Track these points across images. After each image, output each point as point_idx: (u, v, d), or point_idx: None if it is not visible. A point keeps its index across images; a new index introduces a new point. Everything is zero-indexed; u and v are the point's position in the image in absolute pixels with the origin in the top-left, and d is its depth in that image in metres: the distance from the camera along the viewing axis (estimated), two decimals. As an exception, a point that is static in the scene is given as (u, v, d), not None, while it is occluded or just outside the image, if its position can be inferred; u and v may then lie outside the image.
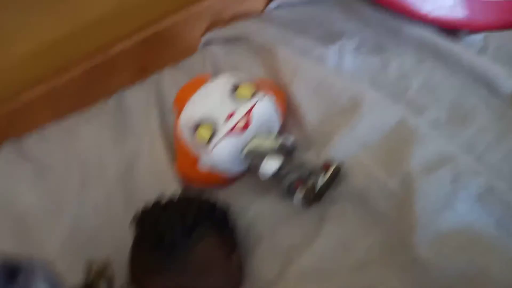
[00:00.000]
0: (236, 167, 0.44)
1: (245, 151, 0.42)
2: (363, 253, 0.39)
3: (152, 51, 0.60)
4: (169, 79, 0.58)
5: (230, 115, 0.42)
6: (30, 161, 0.54)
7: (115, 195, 0.49)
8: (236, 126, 0.41)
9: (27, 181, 0.52)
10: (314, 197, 0.41)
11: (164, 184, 0.46)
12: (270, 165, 0.40)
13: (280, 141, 0.43)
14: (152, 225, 0.36)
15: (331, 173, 0.41)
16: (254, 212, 0.44)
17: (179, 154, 0.47)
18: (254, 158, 0.41)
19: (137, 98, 0.57)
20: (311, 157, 0.45)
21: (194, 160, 0.45)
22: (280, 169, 0.41)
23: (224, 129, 0.41)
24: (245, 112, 0.42)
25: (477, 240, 0.36)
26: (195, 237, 0.36)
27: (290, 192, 0.41)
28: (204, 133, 0.41)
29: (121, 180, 0.50)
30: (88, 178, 0.51)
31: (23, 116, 0.57)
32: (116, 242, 0.43)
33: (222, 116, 0.42)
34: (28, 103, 0.57)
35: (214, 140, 0.41)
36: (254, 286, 0.40)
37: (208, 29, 0.61)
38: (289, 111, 0.49)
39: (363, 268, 0.38)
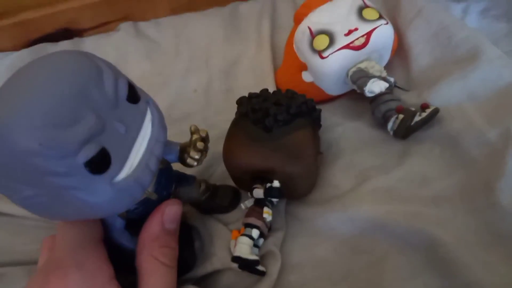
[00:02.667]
0: (338, 86, 0.45)
1: (354, 68, 0.43)
2: (441, 190, 0.39)
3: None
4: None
5: (352, 31, 0.42)
6: (144, 39, 0.58)
7: (216, 83, 0.52)
8: (354, 43, 0.42)
9: (139, 54, 0.56)
10: (407, 130, 0.41)
11: (261, 87, 0.48)
12: (377, 85, 0.41)
13: (386, 73, 0.43)
14: (258, 104, 0.37)
15: (429, 113, 0.41)
16: (342, 131, 0.46)
17: (285, 62, 0.49)
18: (361, 77, 0.42)
19: (252, 8, 0.59)
20: (411, 99, 0.45)
21: (299, 71, 0.47)
22: (382, 94, 0.42)
23: (342, 41, 0.42)
24: (366, 31, 0.42)
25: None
26: (295, 124, 0.37)
27: (385, 117, 0.42)
28: (323, 40, 0.42)
29: (223, 72, 0.53)
30: (194, 62, 0.55)
31: (141, 6, 0.61)
32: (212, 122, 0.47)
33: (344, 29, 0.42)
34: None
35: (330, 49, 0.42)
36: (326, 192, 0.41)
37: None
38: (399, 52, 0.49)
39: (438, 202, 0.38)
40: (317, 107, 0.41)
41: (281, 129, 0.37)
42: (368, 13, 0.43)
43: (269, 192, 0.35)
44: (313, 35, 0.43)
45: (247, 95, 0.40)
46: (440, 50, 0.46)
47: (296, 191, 0.38)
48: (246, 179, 0.38)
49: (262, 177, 0.36)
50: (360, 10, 0.44)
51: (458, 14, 0.52)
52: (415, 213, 0.38)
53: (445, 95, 0.43)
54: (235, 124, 0.39)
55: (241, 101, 0.40)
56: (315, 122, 0.41)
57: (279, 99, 0.38)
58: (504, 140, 0.38)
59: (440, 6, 0.50)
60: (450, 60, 0.45)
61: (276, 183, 0.35)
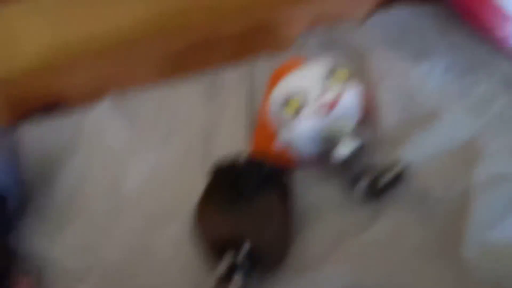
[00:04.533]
0: (310, 146, 0.47)
1: (325, 130, 0.45)
2: (411, 246, 0.41)
3: (252, 40, 0.65)
4: (263, 65, 0.62)
5: (321, 95, 0.45)
6: (127, 109, 0.61)
7: (194, 150, 0.54)
8: (324, 106, 0.45)
9: (121, 123, 0.59)
10: (376, 191, 0.43)
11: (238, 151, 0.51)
12: (345, 148, 0.43)
13: (355, 134, 0.46)
14: (229, 172, 0.40)
15: (397, 172, 0.43)
16: (314, 196, 0.47)
17: (259, 129, 0.52)
18: (331, 139, 0.44)
19: (231, 77, 0.62)
20: (380, 157, 0.47)
21: (272, 137, 0.49)
22: (351, 156, 0.45)
23: (312, 105, 0.45)
24: (335, 95, 0.45)
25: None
26: (265, 189, 0.39)
27: (354, 180, 0.44)
28: (294, 104, 0.45)
29: (201, 140, 0.55)
30: (174, 130, 0.57)
31: (129, 73, 0.65)
32: (189, 188, 0.48)
33: (314, 93, 0.45)
34: (136, 61, 0.64)
35: (301, 113, 0.45)
36: (300, 260, 0.42)
37: (308, 28, 0.65)
38: (368, 112, 0.52)
39: (409, 258, 0.40)
40: (290, 171, 0.43)
41: (251, 194, 0.39)
42: (337, 77, 0.47)
43: (241, 256, 0.37)
44: (285, 100, 0.46)
45: (219, 162, 0.42)
46: (405, 109, 0.49)
47: (269, 258, 0.40)
48: (217, 245, 0.39)
49: (233, 242, 0.38)
50: (329, 75, 0.47)
51: (423, 72, 0.55)
52: (390, 272, 0.39)
53: (411, 153, 0.46)
54: (207, 190, 0.41)
55: (213, 168, 0.42)
56: (285, 189, 0.43)
57: (249, 165, 0.40)
58: (466, 195, 0.41)
59: (404, 68, 0.54)
60: (415, 119, 0.48)
61: (246, 246, 0.37)
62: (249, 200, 0.38)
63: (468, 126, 0.47)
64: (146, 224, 0.47)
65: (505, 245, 0.38)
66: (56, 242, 0.48)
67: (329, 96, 0.45)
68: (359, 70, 0.56)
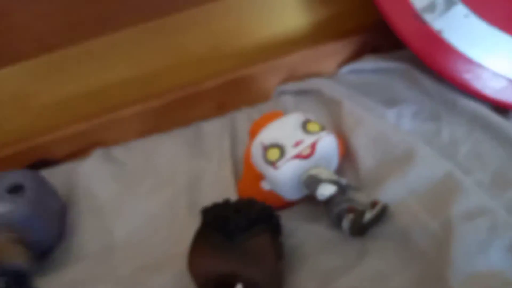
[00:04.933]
0: (294, 191, 0.50)
1: (306, 175, 0.48)
2: (399, 284, 0.42)
3: (232, 93, 0.69)
4: (243, 116, 0.66)
5: (298, 142, 0.48)
6: (113, 163, 0.62)
7: (181, 200, 0.56)
8: (302, 153, 0.47)
9: (109, 178, 0.60)
10: (360, 228, 0.45)
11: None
12: (328, 188, 0.46)
13: (336, 177, 0.49)
14: (218, 215, 0.41)
15: (379, 210, 0.46)
16: (302, 235, 0.49)
17: (245, 173, 0.54)
18: (313, 182, 0.47)
19: (214, 128, 0.65)
20: (361, 198, 0.50)
21: (257, 182, 0.51)
22: (334, 197, 0.47)
23: (292, 152, 0.47)
24: (311, 142, 0.48)
25: (506, 285, 0.39)
26: (255, 230, 0.41)
27: (339, 218, 0.46)
28: (274, 152, 0.48)
29: (188, 189, 0.57)
30: (160, 182, 0.59)
31: (113, 129, 0.67)
32: (177, 237, 0.50)
33: (291, 142, 0.48)
34: (121, 119, 0.67)
35: (282, 160, 0.47)
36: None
37: (283, 81, 0.70)
38: (346, 157, 0.55)
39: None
40: (277, 213, 0.45)
41: (241, 235, 0.40)
42: (311, 127, 0.50)
43: None
44: (265, 148, 0.49)
45: (209, 205, 0.44)
46: (380, 153, 0.52)
47: None
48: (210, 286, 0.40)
49: (226, 283, 0.39)
50: (304, 125, 0.50)
51: (393, 118, 0.59)
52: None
53: (391, 193, 0.48)
54: (198, 233, 0.43)
55: (204, 210, 0.44)
56: (275, 228, 0.45)
57: (239, 206, 0.42)
58: (445, 231, 0.43)
59: (376, 114, 0.58)
60: (390, 161, 0.51)
61: (239, 287, 0.38)
62: (240, 240, 0.40)
63: (440, 166, 0.50)
64: (137, 274, 0.47)
65: (489, 274, 0.39)
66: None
67: (306, 144, 0.48)
68: (333, 119, 0.60)
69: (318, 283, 0.44)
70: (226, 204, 0.44)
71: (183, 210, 0.55)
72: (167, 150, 0.63)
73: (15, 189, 0.49)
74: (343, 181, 0.48)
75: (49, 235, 0.52)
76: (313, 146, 0.48)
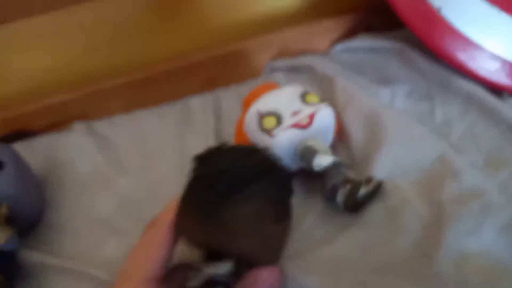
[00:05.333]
0: (288, 161, 0.48)
1: (302, 145, 0.46)
2: (384, 259, 0.41)
3: (221, 68, 0.67)
4: (231, 94, 0.64)
5: (296, 112, 0.47)
6: (97, 137, 0.60)
7: (169, 176, 0.54)
8: (300, 122, 0.46)
9: (91, 151, 0.57)
10: (354, 202, 0.44)
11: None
12: (324, 159, 0.44)
13: (331, 152, 0.47)
14: (209, 168, 0.34)
15: (374, 185, 0.45)
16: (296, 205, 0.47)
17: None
18: (309, 153, 0.45)
19: (201, 103, 0.63)
20: (354, 175, 0.49)
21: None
22: (329, 169, 0.46)
23: (289, 121, 0.46)
24: (310, 112, 0.47)
25: (497, 265, 0.38)
26: (247, 193, 0.33)
27: (333, 190, 0.45)
28: (271, 121, 0.46)
29: (177, 166, 0.55)
30: (146, 158, 0.56)
31: (97, 102, 0.64)
32: None
33: (289, 111, 0.47)
34: (105, 91, 0.64)
35: (279, 128, 0.46)
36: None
37: (275, 58, 0.68)
38: (339, 134, 0.54)
39: (382, 272, 0.40)
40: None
41: (234, 198, 0.32)
42: (310, 98, 0.48)
43: (221, 271, 0.34)
44: (262, 116, 0.47)
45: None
46: (371, 130, 0.51)
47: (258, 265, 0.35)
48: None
49: (217, 252, 0.34)
50: (303, 96, 0.49)
51: (387, 97, 0.58)
52: (361, 282, 0.39)
53: (381, 172, 0.47)
54: (188, 191, 0.35)
55: (196, 159, 0.35)
56: (276, 186, 0.35)
57: (236, 156, 0.34)
58: (436, 213, 0.43)
59: (368, 92, 0.57)
60: (382, 139, 0.50)
61: (227, 263, 0.34)
62: (231, 204, 0.32)
63: (434, 146, 0.49)
64: (122, 251, 0.45)
65: (481, 254, 0.39)
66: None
67: (304, 114, 0.47)
68: (325, 96, 0.58)
69: (300, 249, 0.43)
70: (221, 152, 0.35)
71: (169, 185, 0.52)
72: (153, 126, 0.61)
73: None
74: (337, 157, 0.47)
75: (32, 211, 0.50)
76: (311, 117, 0.47)
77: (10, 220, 0.43)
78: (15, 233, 0.43)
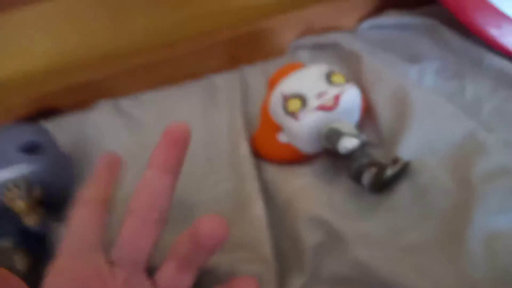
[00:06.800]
0: (312, 144, 0.48)
1: (327, 127, 0.46)
2: (414, 238, 0.41)
3: (245, 46, 0.66)
4: (256, 71, 0.64)
5: (322, 94, 0.46)
6: (123, 115, 0.60)
7: (197, 152, 0.54)
8: (325, 104, 0.46)
9: (118, 128, 0.58)
10: (380, 183, 0.44)
11: (237, 153, 0.51)
12: (350, 142, 0.44)
13: (357, 132, 0.47)
14: None
15: (400, 167, 0.44)
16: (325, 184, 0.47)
17: (261, 125, 0.52)
18: (334, 135, 0.45)
19: (227, 81, 0.63)
20: (381, 154, 0.48)
21: (274, 134, 0.50)
22: (355, 151, 0.45)
23: (314, 103, 0.46)
24: (335, 93, 0.46)
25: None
26: None
27: (359, 173, 0.45)
28: (295, 103, 0.46)
29: (203, 142, 0.55)
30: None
31: (122, 80, 0.65)
32: (193, 191, 0.49)
33: (314, 93, 0.46)
34: (130, 69, 0.64)
35: (303, 111, 0.45)
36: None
37: (299, 36, 0.67)
38: (366, 112, 0.53)
39: (412, 251, 0.40)
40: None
41: None
42: (335, 78, 0.48)
43: None
44: (286, 98, 0.47)
45: None
46: (400, 108, 0.50)
47: None
48: None
49: None
50: (328, 76, 0.48)
51: (415, 75, 0.57)
52: (394, 259, 0.39)
53: (410, 150, 0.47)
54: None
55: None
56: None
57: None
58: (465, 192, 0.42)
59: (397, 70, 0.56)
60: (411, 118, 0.49)
61: None
62: None
63: (463, 124, 0.48)
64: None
65: (510, 232, 0.39)
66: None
67: (329, 96, 0.46)
68: (352, 74, 0.57)
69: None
70: None
71: (199, 161, 0.53)
72: (179, 103, 0.61)
73: (31, 148, 0.47)
74: (364, 136, 0.46)
75: (64, 193, 0.50)
76: (337, 98, 0.46)
77: (43, 203, 0.44)
78: (47, 216, 0.44)
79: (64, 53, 0.65)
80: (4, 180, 0.43)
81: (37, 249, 0.43)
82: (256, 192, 0.46)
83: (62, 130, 0.58)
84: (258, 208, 0.44)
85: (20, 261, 0.39)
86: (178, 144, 0.34)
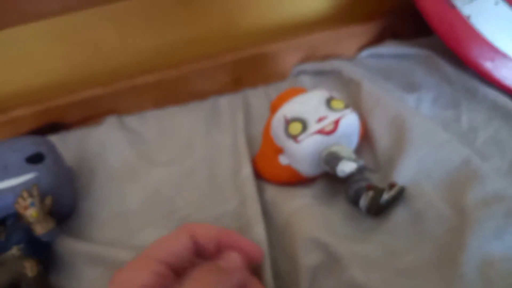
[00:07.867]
0: (312, 167, 0.49)
1: (326, 151, 0.47)
2: (409, 261, 0.42)
3: (249, 69, 0.68)
4: (259, 94, 0.66)
5: (322, 118, 0.48)
6: (128, 131, 0.62)
7: (199, 170, 0.56)
8: (325, 128, 0.47)
9: (123, 144, 0.60)
10: (377, 207, 0.45)
11: (240, 174, 0.52)
12: (348, 166, 0.45)
13: (355, 156, 0.48)
14: None
15: (397, 191, 0.46)
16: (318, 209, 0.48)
17: (263, 147, 0.53)
18: (333, 159, 0.46)
19: (229, 102, 0.65)
20: (378, 179, 0.50)
21: (276, 154, 0.51)
22: (353, 175, 0.47)
23: (314, 127, 0.47)
24: (335, 118, 0.48)
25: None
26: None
27: (357, 196, 0.46)
28: (296, 126, 0.48)
29: (206, 160, 0.57)
30: (177, 154, 0.58)
31: (128, 98, 0.66)
32: (196, 205, 0.50)
33: (315, 117, 0.48)
34: (136, 88, 0.66)
35: (304, 134, 0.47)
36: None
37: (302, 61, 0.69)
38: (364, 137, 0.55)
39: (408, 273, 0.41)
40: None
41: None
42: (335, 104, 0.49)
43: None
44: (288, 122, 0.48)
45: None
46: (397, 134, 0.52)
47: None
48: None
49: None
50: (328, 101, 0.50)
51: (412, 104, 0.59)
52: (390, 281, 0.40)
53: (407, 176, 0.48)
54: None
55: None
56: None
57: None
58: (460, 217, 0.43)
59: (395, 97, 0.58)
60: (407, 143, 0.51)
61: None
62: None
63: (459, 151, 0.49)
64: (154, 240, 0.47)
65: (504, 259, 0.40)
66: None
67: (329, 120, 0.48)
68: (351, 100, 0.59)
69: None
70: None
71: (201, 179, 0.54)
72: (183, 122, 0.63)
73: (35, 158, 0.48)
74: (361, 161, 0.48)
75: (68, 203, 0.52)
76: (336, 123, 0.48)
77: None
78: (56, 225, 0.45)
79: (71, 69, 0.67)
80: (15, 187, 0.45)
81: (44, 257, 0.44)
82: (257, 215, 0.47)
83: (68, 145, 0.60)
84: (259, 231, 0.45)
85: (30, 269, 0.40)
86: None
